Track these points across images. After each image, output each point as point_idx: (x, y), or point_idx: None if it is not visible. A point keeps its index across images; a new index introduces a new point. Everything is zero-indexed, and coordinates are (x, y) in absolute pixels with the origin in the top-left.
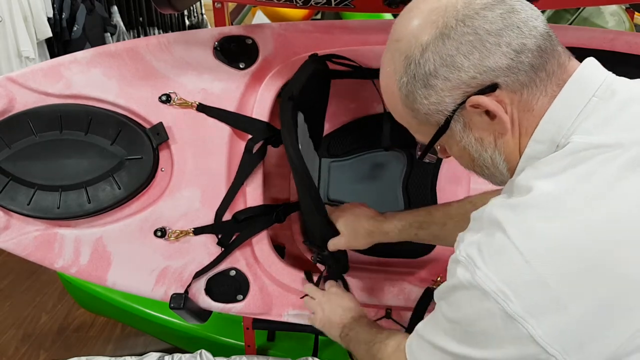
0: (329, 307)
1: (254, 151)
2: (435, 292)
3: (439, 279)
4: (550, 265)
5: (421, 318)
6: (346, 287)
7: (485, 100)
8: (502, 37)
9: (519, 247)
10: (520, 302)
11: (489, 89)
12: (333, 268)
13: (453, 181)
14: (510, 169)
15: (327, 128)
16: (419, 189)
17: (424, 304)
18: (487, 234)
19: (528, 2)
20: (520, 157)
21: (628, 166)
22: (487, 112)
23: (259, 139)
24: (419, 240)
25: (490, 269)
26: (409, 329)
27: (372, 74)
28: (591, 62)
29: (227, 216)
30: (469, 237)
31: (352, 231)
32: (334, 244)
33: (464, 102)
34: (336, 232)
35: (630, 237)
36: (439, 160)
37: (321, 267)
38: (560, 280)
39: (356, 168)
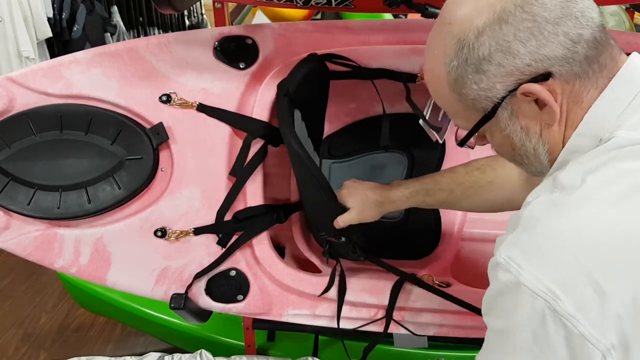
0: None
1: (253, 150)
2: (483, 313)
3: (435, 280)
4: (597, 260)
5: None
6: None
7: (537, 88)
8: (559, 25)
9: (565, 243)
10: (569, 300)
11: (542, 77)
12: (356, 253)
13: None
14: (551, 160)
15: (328, 129)
16: None
17: (394, 296)
18: (529, 233)
19: None
20: (563, 144)
21: None
22: (537, 101)
23: (258, 137)
24: (427, 206)
25: (535, 267)
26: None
27: (372, 74)
28: (637, 56)
29: (227, 216)
30: (509, 239)
31: (361, 205)
32: (343, 221)
33: (515, 90)
34: (345, 210)
35: None
36: (440, 161)
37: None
38: (604, 273)
39: (357, 169)
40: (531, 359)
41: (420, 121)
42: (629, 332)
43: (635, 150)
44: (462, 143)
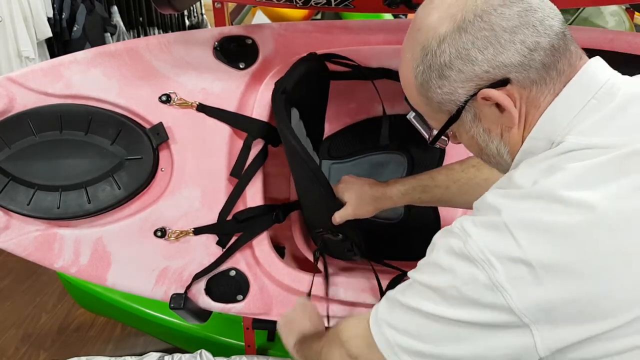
0: (288, 321)
1: (254, 150)
2: (413, 270)
3: None
4: (537, 249)
5: None
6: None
7: (495, 93)
8: (516, 34)
9: (511, 230)
10: (505, 273)
11: (501, 83)
12: (352, 251)
13: None
14: (513, 160)
15: (328, 130)
16: None
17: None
18: (484, 214)
19: (547, 0)
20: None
21: (616, 163)
22: (497, 105)
23: (258, 137)
24: (423, 204)
25: (481, 240)
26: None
27: (372, 74)
28: (596, 62)
29: (227, 216)
30: (465, 217)
31: (357, 199)
32: (340, 216)
33: (475, 94)
34: (342, 206)
35: (612, 235)
36: (440, 162)
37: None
38: (546, 265)
39: (357, 170)
40: (454, 313)
41: (409, 115)
42: (559, 316)
43: (581, 154)
44: (432, 142)
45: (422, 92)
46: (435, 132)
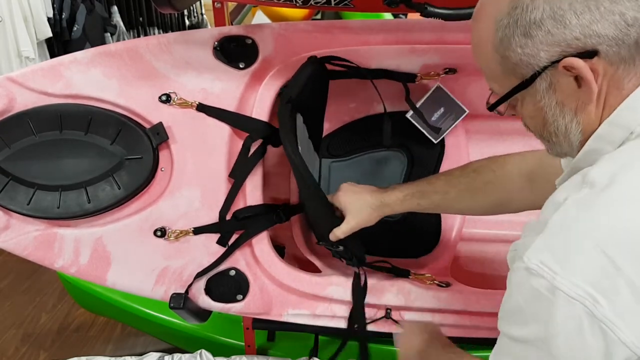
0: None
1: (252, 149)
2: (499, 321)
3: (428, 282)
4: (634, 262)
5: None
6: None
7: (581, 64)
8: (617, 4)
9: (599, 244)
10: (609, 304)
11: (588, 54)
12: (352, 261)
13: None
14: (582, 143)
15: (327, 128)
16: None
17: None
18: (560, 237)
19: None
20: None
21: None
22: (577, 78)
23: (257, 138)
24: (422, 210)
25: (571, 271)
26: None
27: (372, 73)
28: None
29: (227, 216)
30: (537, 244)
31: (357, 210)
32: (342, 231)
33: (558, 61)
34: (342, 221)
35: None
36: (439, 160)
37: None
38: None
39: (357, 168)
40: None
41: (408, 114)
42: None
43: None
44: (492, 107)
45: (499, 50)
46: (494, 98)
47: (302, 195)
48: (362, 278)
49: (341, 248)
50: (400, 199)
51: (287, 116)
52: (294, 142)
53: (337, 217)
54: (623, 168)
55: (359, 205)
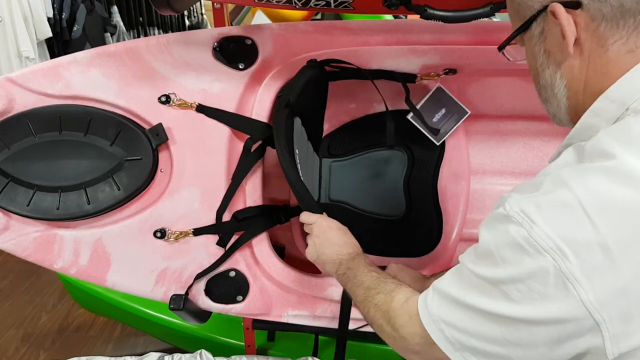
0: (321, 241)
1: (252, 150)
2: (466, 255)
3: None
4: (616, 229)
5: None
6: None
7: (562, 11)
8: None
9: (585, 205)
10: (578, 262)
11: (573, 4)
12: None
13: (453, 180)
14: (570, 104)
15: (327, 128)
16: (420, 187)
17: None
18: (548, 192)
19: None
20: (585, 92)
21: None
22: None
23: (257, 140)
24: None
25: (549, 225)
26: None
27: (372, 74)
28: None
29: (226, 216)
30: (521, 195)
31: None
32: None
33: (546, 7)
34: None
35: None
36: (440, 158)
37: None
38: (623, 246)
39: (357, 167)
40: (514, 310)
41: (409, 116)
42: (633, 308)
43: None
44: (500, 47)
45: None
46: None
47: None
48: None
49: None
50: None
51: (283, 121)
52: (284, 153)
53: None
54: (622, 145)
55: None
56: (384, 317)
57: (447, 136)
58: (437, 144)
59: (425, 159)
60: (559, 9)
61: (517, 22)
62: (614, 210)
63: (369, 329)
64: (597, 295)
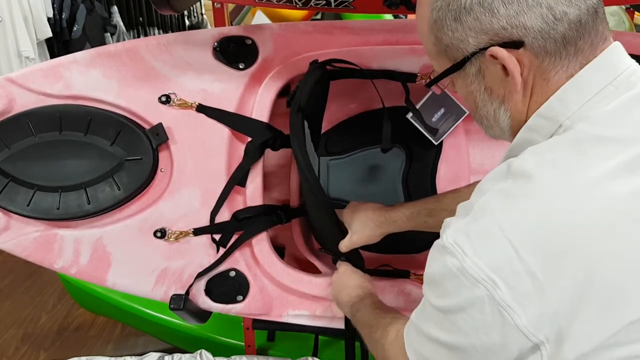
0: (337, 286)
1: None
2: (424, 285)
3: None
4: (540, 255)
5: (353, 341)
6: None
7: (505, 54)
8: None
9: (507, 233)
10: (509, 290)
11: (514, 45)
12: None
13: (452, 179)
14: (512, 129)
15: (324, 126)
16: (419, 184)
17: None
18: (477, 222)
19: None
20: (526, 119)
21: (624, 166)
22: (504, 67)
23: (258, 140)
24: (429, 229)
25: (478, 256)
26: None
27: (372, 74)
28: (617, 48)
29: (226, 216)
30: (456, 223)
31: (361, 225)
32: (345, 245)
33: (485, 49)
34: (346, 233)
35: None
36: (438, 154)
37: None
38: (549, 271)
39: (355, 165)
40: (464, 340)
41: (409, 115)
42: (563, 329)
43: (590, 147)
44: (428, 85)
45: (434, 31)
46: (435, 74)
47: (310, 206)
48: None
49: (343, 257)
50: (407, 216)
51: (300, 127)
52: (307, 160)
53: (342, 231)
54: (543, 165)
55: (363, 222)
56: (381, 351)
57: (445, 136)
58: (435, 143)
59: (424, 156)
60: (501, 52)
61: (444, 61)
62: (534, 237)
63: None
64: (530, 319)
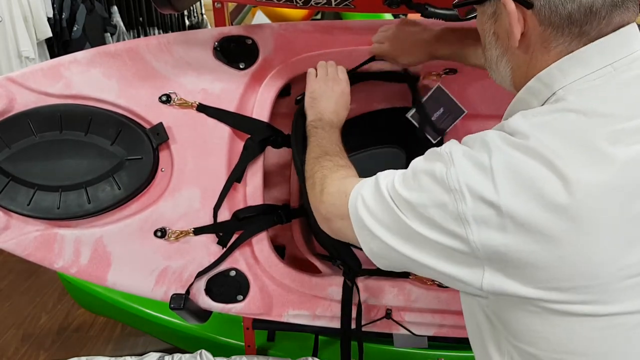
0: (325, 90)
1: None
2: (401, 175)
3: (429, 282)
4: (515, 202)
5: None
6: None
7: (512, 8)
8: None
9: (495, 174)
10: (472, 208)
11: (525, 3)
12: (348, 274)
13: None
14: (514, 81)
15: None
16: None
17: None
18: (477, 150)
19: None
20: (527, 79)
21: (609, 136)
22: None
23: (258, 139)
24: (462, 63)
25: (463, 172)
26: (343, 325)
27: (373, 74)
28: (628, 32)
29: (226, 215)
30: (458, 145)
31: (395, 40)
32: (374, 48)
33: None
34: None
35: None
36: None
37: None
38: (516, 214)
39: (355, 166)
40: (416, 226)
41: (408, 114)
42: (509, 267)
43: (577, 118)
44: (454, 5)
45: None
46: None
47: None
48: (353, 290)
49: (339, 262)
50: (445, 53)
51: (301, 133)
52: (303, 157)
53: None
54: (534, 126)
55: (397, 36)
56: (321, 178)
57: (444, 135)
58: (434, 142)
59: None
60: (510, 4)
61: None
62: (520, 184)
63: (370, 328)
64: (481, 240)
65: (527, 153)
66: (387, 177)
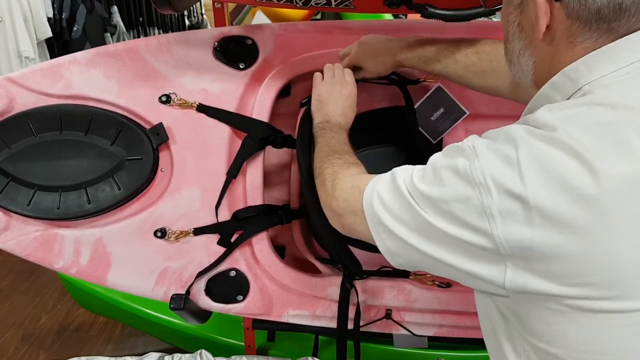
0: (333, 92)
1: (250, 148)
2: (419, 170)
3: (429, 282)
4: (543, 194)
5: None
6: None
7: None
8: None
9: (522, 163)
10: (497, 202)
11: None
12: (346, 274)
13: None
14: (536, 79)
15: None
16: None
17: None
18: (501, 143)
19: None
20: (550, 73)
21: (639, 130)
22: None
23: (257, 139)
24: (424, 70)
25: (487, 165)
26: (339, 325)
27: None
28: None
29: (226, 216)
30: (480, 139)
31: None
32: (344, 53)
33: None
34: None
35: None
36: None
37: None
38: (543, 207)
39: None
40: (437, 221)
41: (417, 105)
42: (535, 262)
43: (604, 111)
44: None
45: None
46: None
47: (310, 208)
48: (352, 294)
49: (339, 265)
50: (409, 57)
51: (307, 134)
52: (310, 166)
53: (343, 236)
54: (561, 119)
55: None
56: (332, 175)
57: (443, 135)
58: (434, 142)
59: (423, 156)
60: None
61: None
62: (548, 176)
63: (370, 328)
64: (506, 235)
65: (555, 145)
66: (405, 173)
